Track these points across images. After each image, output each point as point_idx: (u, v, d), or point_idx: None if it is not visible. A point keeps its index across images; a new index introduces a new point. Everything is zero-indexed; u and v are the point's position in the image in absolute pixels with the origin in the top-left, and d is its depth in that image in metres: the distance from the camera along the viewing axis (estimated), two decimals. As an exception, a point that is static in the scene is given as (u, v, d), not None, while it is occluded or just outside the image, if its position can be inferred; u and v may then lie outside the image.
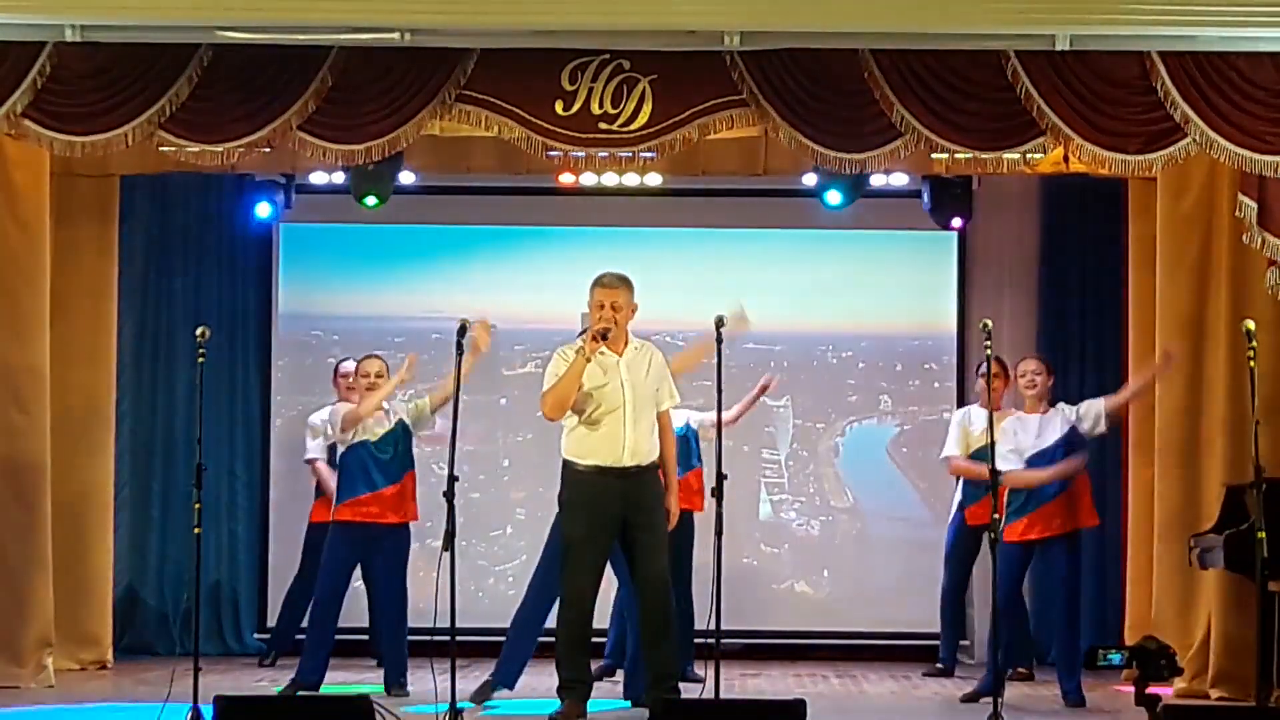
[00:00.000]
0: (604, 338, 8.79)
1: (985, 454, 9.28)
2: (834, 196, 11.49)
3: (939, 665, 11.30)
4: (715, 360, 8.66)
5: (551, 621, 9.25)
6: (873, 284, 12.50)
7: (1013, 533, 9.84)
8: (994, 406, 9.37)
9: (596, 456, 8.85)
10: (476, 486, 12.27)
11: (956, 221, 12.04)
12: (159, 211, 12.35)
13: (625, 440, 8.82)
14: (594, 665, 9.43)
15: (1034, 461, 9.87)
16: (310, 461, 11.39)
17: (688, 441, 10.24)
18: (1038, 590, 11.17)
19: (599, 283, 8.93)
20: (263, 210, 11.97)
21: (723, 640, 8.59)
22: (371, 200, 11.51)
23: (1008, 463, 9.70)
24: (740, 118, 9.40)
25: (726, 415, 9.40)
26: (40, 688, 10.13)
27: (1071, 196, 12.19)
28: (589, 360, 8.78)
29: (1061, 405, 10.04)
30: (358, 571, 10.41)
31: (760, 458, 12.56)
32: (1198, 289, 10.27)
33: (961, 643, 11.62)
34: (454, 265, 12.50)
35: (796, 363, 12.51)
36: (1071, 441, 9.92)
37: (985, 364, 9.55)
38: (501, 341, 12.31)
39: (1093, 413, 9.95)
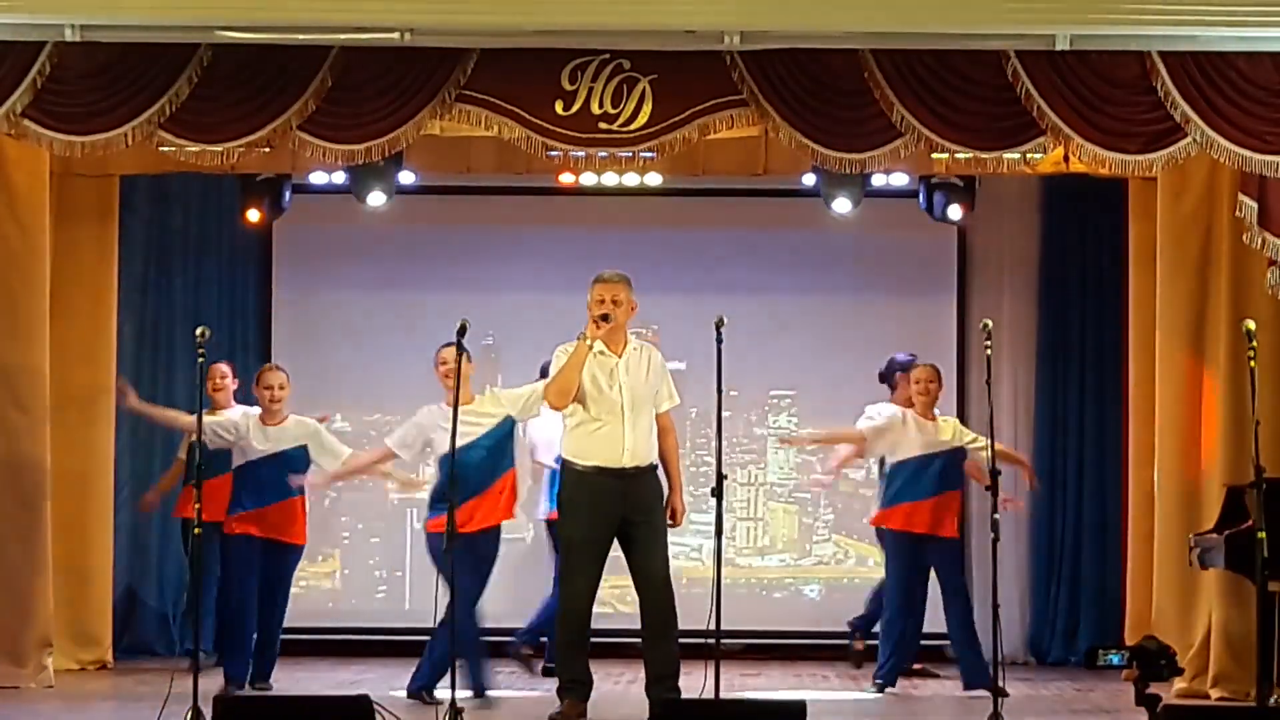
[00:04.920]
0: (605, 320, 8.79)
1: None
2: (843, 204, 11.45)
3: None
4: (715, 360, 8.68)
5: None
6: (873, 284, 12.47)
7: (894, 520, 10.31)
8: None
9: (596, 457, 8.84)
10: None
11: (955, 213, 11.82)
12: (159, 211, 12.32)
13: (625, 441, 8.81)
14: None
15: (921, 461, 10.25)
16: None
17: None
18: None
19: (599, 279, 8.94)
20: (254, 216, 11.87)
21: (723, 640, 8.58)
22: None
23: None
24: (740, 118, 9.40)
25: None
26: (40, 688, 10.14)
27: (1071, 196, 12.18)
28: (590, 346, 8.79)
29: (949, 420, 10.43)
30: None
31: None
32: (1198, 289, 10.26)
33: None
34: (454, 265, 12.48)
35: (809, 365, 12.45)
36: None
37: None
38: (500, 342, 12.33)
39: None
